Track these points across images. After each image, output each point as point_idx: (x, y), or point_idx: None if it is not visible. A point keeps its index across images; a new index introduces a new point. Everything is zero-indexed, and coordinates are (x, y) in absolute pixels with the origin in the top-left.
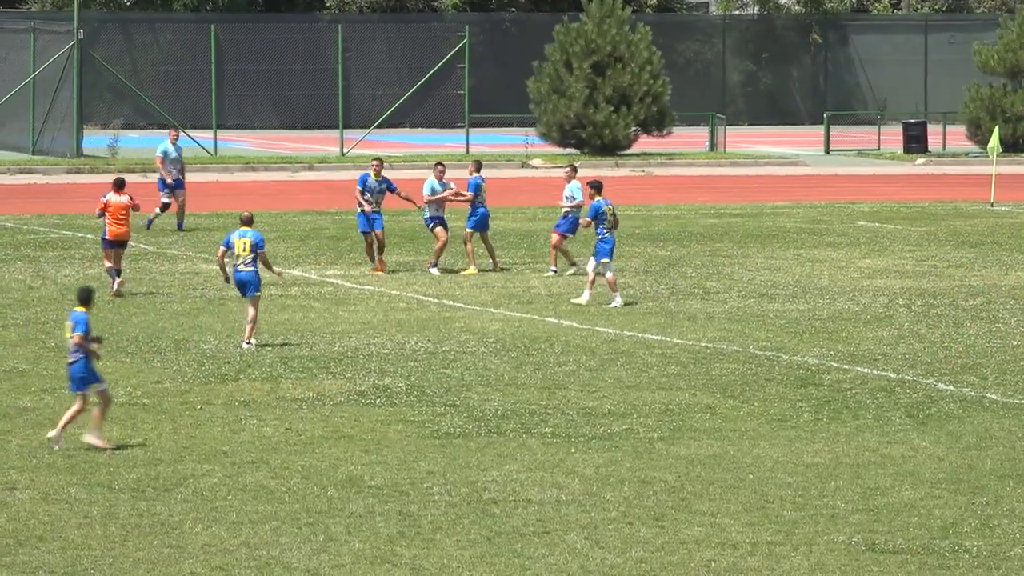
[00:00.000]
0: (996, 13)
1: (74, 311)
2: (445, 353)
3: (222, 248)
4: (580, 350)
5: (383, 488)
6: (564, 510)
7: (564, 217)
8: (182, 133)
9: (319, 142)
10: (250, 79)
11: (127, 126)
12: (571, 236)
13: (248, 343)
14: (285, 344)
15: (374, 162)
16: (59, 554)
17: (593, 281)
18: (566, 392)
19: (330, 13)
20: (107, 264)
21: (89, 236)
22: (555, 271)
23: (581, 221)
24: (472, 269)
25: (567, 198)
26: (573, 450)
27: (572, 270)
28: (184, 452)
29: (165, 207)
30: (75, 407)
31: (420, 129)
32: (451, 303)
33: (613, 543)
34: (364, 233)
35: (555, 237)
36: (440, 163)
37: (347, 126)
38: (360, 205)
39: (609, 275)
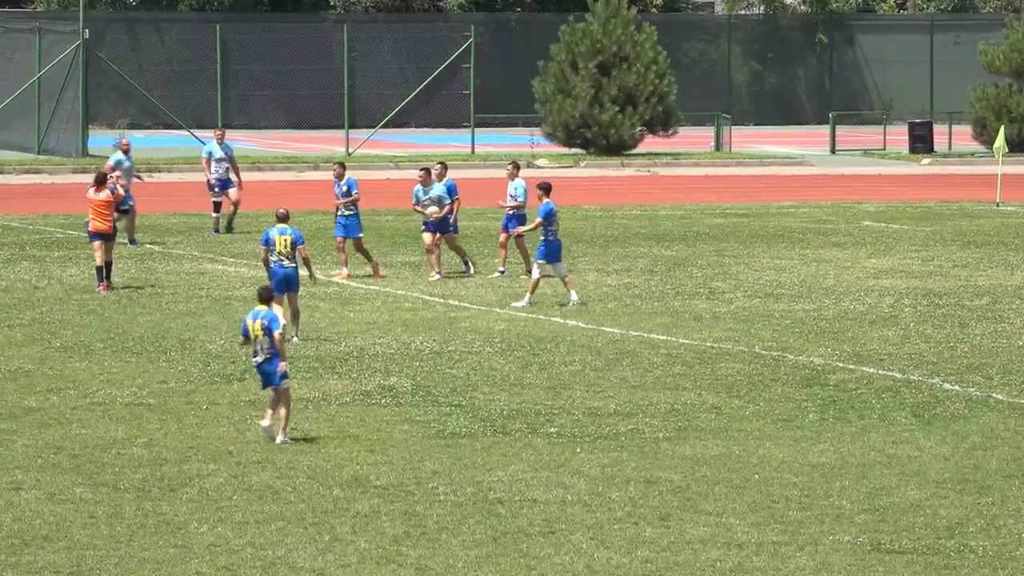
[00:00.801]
0: (1002, 13)
1: (262, 310)
2: (451, 353)
3: (264, 248)
4: (585, 350)
5: (389, 488)
6: (570, 510)
7: (509, 216)
8: (190, 132)
9: (325, 142)
10: (256, 79)
11: (133, 126)
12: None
13: (296, 336)
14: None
15: (335, 167)
16: (65, 554)
17: (536, 284)
18: (571, 392)
19: (336, 13)
20: (97, 263)
21: None
22: (502, 272)
23: (528, 226)
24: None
25: (511, 196)
26: (579, 450)
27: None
28: (190, 452)
29: (217, 206)
30: (282, 403)
31: (426, 129)
32: (457, 303)
33: (619, 543)
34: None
35: (503, 236)
36: (425, 167)
37: (353, 126)
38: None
39: (536, 275)
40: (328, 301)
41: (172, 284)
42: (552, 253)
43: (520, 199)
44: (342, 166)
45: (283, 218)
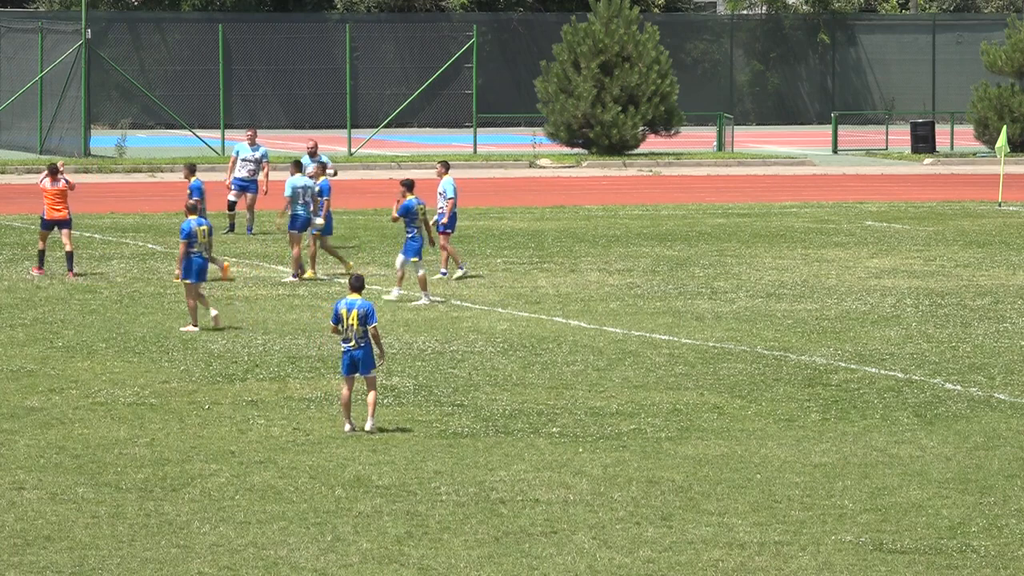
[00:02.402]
0: (1004, 13)
1: (357, 299)
2: (453, 353)
3: (184, 240)
4: (588, 350)
5: (391, 488)
6: (572, 510)
7: (441, 214)
8: (192, 132)
9: (327, 141)
10: (258, 79)
11: (135, 126)
12: (452, 232)
13: (202, 326)
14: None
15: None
16: (67, 554)
17: (402, 278)
18: (574, 392)
19: (338, 13)
20: (40, 246)
21: (97, 236)
22: (444, 273)
23: (393, 216)
24: (311, 272)
25: (440, 195)
26: (581, 450)
27: (459, 272)
28: (192, 452)
29: (232, 206)
30: (371, 393)
31: (428, 129)
32: (459, 303)
33: (621, 543)
34: None
35: (442, 238)
36: (298, 160)
37: (355, 126)
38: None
39: (420, 272)
40: (331, 301)
41: (174, 284)
42: (414, 250)
43: (450, 196)
44: (190, 169)
45: (193, 209)
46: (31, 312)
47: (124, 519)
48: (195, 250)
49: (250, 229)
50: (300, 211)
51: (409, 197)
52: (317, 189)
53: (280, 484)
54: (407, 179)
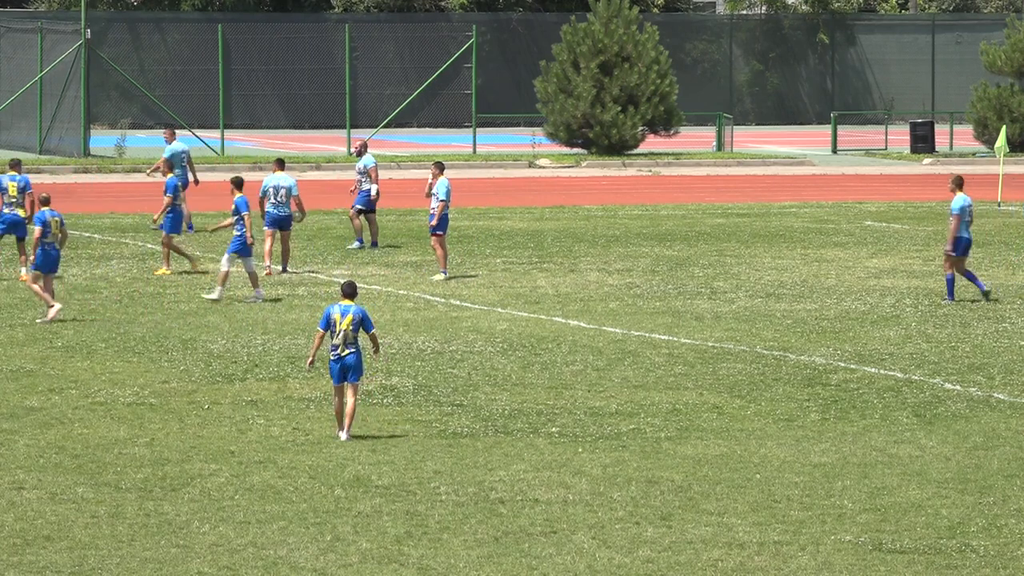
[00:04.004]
0: (1003, 13)
1: (351, 305)
2: (452, 353)
3: (39, 228)
4: (587, 350)
5: (390, 488)
6: (571, 510)
7: (432, 215)
8: (192, 132)
9: (326, 142)
10: (257, 79)
11: (134, 126)
12: (443, 234)
13: (46, 319)
14: (293, 343)
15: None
16: (66, 554)
17: (226, 277)
18: (573, 392)
19: (338, 13)
20: None
21: (96, 236)
22: (445, 273)
23: (230, 220)
24: (164, 270)
25: (434, 195)
26: (580, 450)
27: (441, 276)
28: (191, 452)
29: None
30: (351, 400)
31: (427, 129)
32: (458, 303)
33: (620, 543)
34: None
35: (433, 239)
36: (280, 159)
37: (354, 126)
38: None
39: (251, 269)
40: (330, 301)
41: (173, 284)
42: (245, 248)
43: (441, 198)
44: (11, 164)
45: (46, 201)
46: (31, 312)
47: (124, 519)
48: (48, 240)
49: (190, 227)
50: (270, 209)
51: (238, 195)
52: (290, 188)
53: (280, 484)
54: (237, 177)
